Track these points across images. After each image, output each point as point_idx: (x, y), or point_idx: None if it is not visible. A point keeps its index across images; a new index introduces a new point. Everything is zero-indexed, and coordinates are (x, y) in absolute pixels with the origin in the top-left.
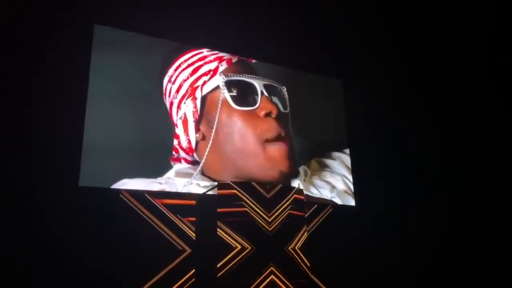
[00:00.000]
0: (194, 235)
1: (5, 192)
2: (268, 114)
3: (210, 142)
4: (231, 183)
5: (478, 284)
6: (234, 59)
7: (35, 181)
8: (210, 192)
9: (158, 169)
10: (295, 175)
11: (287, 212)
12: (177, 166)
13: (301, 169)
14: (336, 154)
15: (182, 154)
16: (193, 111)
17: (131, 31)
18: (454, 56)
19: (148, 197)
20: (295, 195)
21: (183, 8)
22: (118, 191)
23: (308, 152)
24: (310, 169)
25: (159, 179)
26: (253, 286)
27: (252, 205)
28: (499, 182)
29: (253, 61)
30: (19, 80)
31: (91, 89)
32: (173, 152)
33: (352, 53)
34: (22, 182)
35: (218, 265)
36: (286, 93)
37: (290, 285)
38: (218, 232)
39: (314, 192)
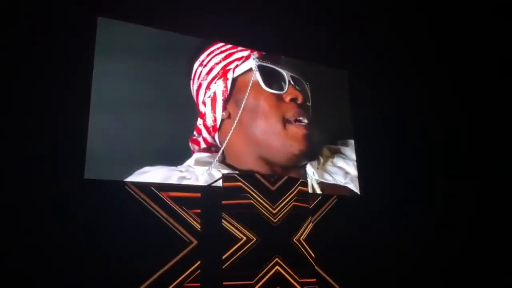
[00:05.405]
0: (199, 226)
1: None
2: (294, 100)
3: (237, 119)
4: (236, 175)
5: (484, 270)
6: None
7: (46, 175)
8: (215, 184)
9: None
10: (314, 158)
11: (292, 203)
12: (197, 155)
13: None
14: (348, 141)
15: (205, 133)
16: (223, 90)
17: (134, 23)
18: (460, 48)
19: (153, 189)
20: (299, 187)
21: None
22: (124, 183)
23: (320, 141)
24: (323, 156)
25: (179, 167)
26: (260, 278)
27: (256, 196)
28: (503, 172)
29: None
30: (20, 78)
31: (95, 89)
32: (195, 132)
33: (357, 44)
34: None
35: (223, 257)
36: (308, 88)
37: (295, 276)
38: (223, 224)
39: (328, 179)
